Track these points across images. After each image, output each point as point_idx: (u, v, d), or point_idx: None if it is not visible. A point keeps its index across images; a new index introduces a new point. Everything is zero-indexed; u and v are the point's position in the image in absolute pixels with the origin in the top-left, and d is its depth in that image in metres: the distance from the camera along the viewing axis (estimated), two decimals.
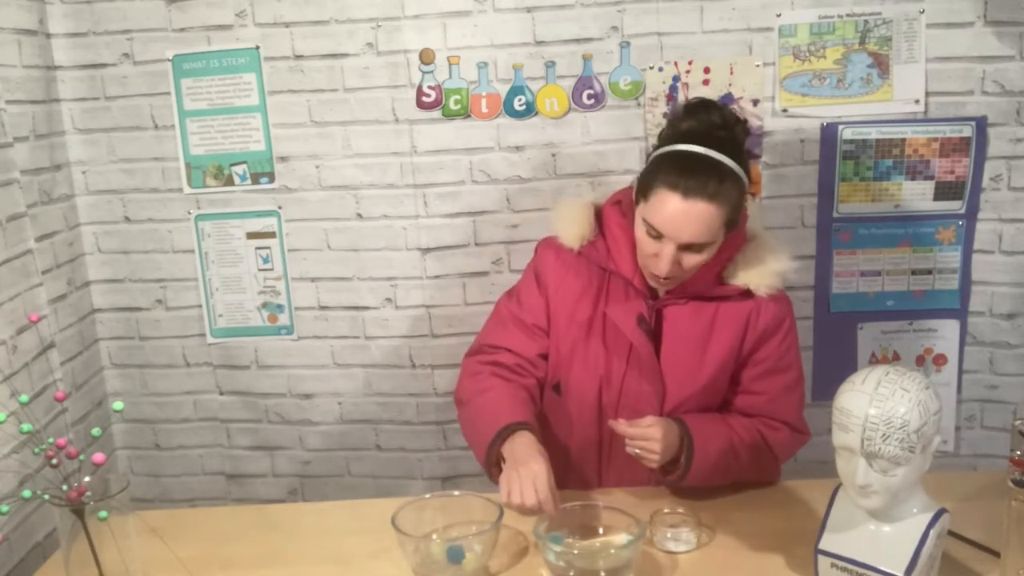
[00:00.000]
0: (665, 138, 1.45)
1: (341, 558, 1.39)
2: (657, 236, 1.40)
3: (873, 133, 1.96)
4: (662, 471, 1.48)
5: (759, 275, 1.49)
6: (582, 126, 2.00)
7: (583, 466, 1.62)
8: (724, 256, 1.48)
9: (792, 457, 1.61)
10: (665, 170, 1.37)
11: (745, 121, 1.46)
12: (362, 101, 2.01)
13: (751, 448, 1.51)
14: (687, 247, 1.39)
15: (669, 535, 1.36)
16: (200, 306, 2.16)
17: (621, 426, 1.44)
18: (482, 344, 1.63)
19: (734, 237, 1.48)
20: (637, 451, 1.43)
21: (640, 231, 1.44)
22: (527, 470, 1.35)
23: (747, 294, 1.50)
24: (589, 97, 1.98)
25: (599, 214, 1.57)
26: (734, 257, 1.50)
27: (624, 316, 1.51)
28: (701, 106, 1.45)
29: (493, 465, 1.46)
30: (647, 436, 1.42)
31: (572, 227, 1.56)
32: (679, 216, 1.36)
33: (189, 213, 2.11)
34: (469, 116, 2.01)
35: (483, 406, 1.53)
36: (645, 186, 1.41)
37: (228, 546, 1.45)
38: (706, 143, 1.38)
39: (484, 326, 1.68)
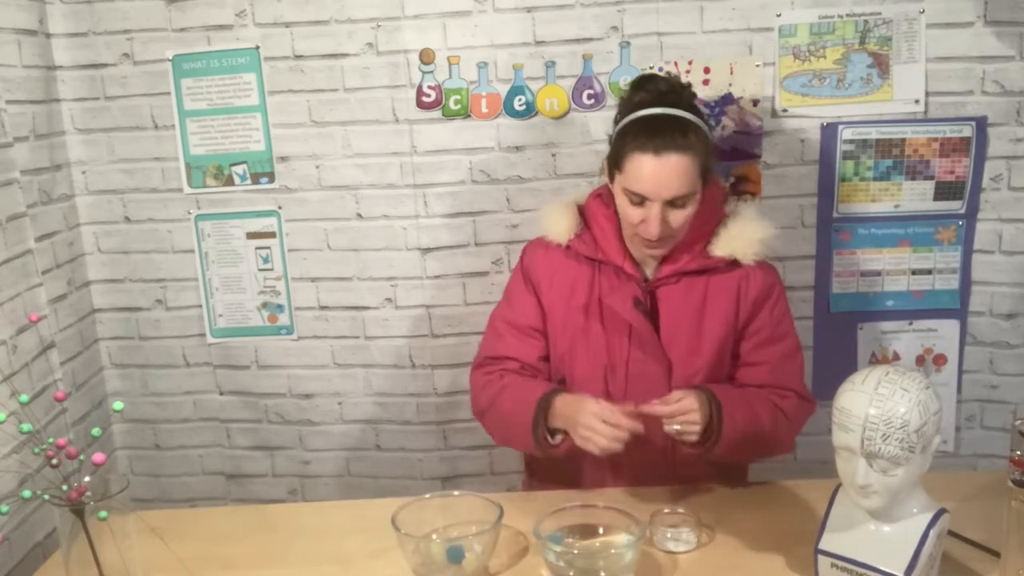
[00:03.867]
0: (621, 113, 1.54)
1: (341, 558, 1.39)
2: (640, 202, 1.46)
3: (873, 133, 1.96)
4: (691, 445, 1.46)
5: (743, 243, 1.55)
6: (582, 126, 2.00)
7: (594, 460, 1.62)
8: (707, 230, 1.55)
9: (802, 428, 1.60)
10: (632, 136, 1.45)
11: (690, 85, 1.56)
12: (362, 101, 2.01)
13: (770, 413, 1.51)
14: (671, 204, 1.45)
15: (669, 535, 1.36)
16: (200, 306, 2.16)
17: (656, 407, 1.41)
18: (484, 357, 1.67)
19: (715, 209, 1.57)
20: (677, 427, 1.40)
21: (623, 203, 1.49)
22: (585, 419, 1.39)
23: (734, 264, 1.56)
24: (589, 97, 1.98)
25: (583, 211, 1.63)
26: (716, 231, 1.56)
27: (620, 300, 1.56)
28: (646, 78, 1.57)
29: (542, 440, 1.49)
30: (684, 409, 1.40)
31: (558, 223, 1.62)
32: (656, 174, 1.43)
33: (189, 213, 2.11)
34: (469, 116, 2.01)
35: (508, 399, 1.56)
36: (617, 158, 1.48)
37: (228, 546, 1.46)
38: (660, 105, 1.48)
39: (482, 340, 1.71)
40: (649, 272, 1.59)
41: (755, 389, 1.55)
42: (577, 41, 1.95)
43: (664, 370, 1.55)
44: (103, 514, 1.19)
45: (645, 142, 1.43)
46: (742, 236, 1.55)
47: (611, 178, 1.53)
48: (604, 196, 1.60)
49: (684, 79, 1.92)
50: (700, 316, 1.56)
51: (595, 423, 1.38)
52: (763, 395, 1.54)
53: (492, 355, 1.64)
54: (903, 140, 1.96)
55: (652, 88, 1.52)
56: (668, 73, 1.64)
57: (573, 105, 1.98)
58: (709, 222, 1.56)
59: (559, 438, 1.50)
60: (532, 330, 1.62)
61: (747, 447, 1.49)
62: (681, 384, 1.53)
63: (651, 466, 1.59)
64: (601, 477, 1.62)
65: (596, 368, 1.57)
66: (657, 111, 1.47)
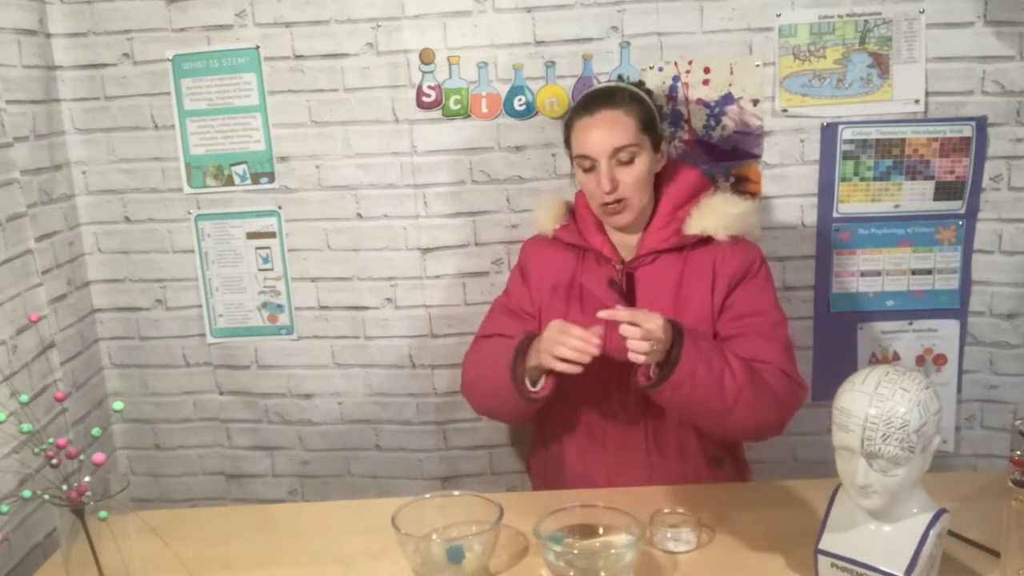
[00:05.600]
0: None
1: (341, 558, 1.39)
2: (591, 167, 1.58)
3: (873, 133, 1.96)
4: (646, 377, 1.43)
5: (715, 218, 1.60)
6: None
7: (578, 449, 1.64)
8: (682, 212, 1.63)
9: (793, 413, 1.55)
10: (573, 112, 1.64)
11: (642, 83, 1.75)
12: (362, 101, 2.01)
13: (743, 366, 1.46)
14: (618, 160, 1.56)
15: (669, 535, 1.36)
16: (200, 306, 2.16)
17: (617, 311, 1.37)
18: (478, 337, 1.78)
19: (689, 192, 1.64)
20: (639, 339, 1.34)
21: (580, 175, 1.62)
22: (547, 339, 1.46)
23: (711, 241, 1.61)
24: None
25: (571, 208, 1.76)
26: (690, 211, 1.63)
27: (596, 281, 1.63)
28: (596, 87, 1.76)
29: (519, 382, 1.53)
30: (646, 317, 1.35)
31: (546, 214, 1.75)
32: (593, 130, 1.57)
33: (189, 213, 2.11)
34: (469, 116, 2.01)
35: (488, 355, 1.65)
36: (567, 137, 1.66)
37: (228, 546, 1.46)
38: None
39: (480, 326, 1.80)
40: (628, 256, 1.65)
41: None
42: (577, 41, 1.95)
43: None
44: (103, 514, 1.19)
45: (581, 110, 1.61)
46: (714, 212, 1.61)
47: (571, 160, 1.66)
48: None
49: (684, 79, 1.95)
50: (677, 295, 1.60)
51: (554, 346, 1.43)
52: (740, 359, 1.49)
53: (484, 334, 1.75)
54: (903, 140, 1.96)
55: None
56: (660, 69, 1.87)
57: (573, 105, 1.98)
58: (684, 203, 1.64)
59: (540, 384, 1.53)
60: (523, 312, 1.72)
61: (716, 389, 1.41)
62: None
63: (636, 466, 1.63)
64: (590, 476, 1.64)
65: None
66: (591, 89, 1.69)
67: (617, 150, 1.55)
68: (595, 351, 1.40)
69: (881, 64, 1.93)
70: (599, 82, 1.96)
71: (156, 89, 2.04)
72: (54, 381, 1.89)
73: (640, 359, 1.36)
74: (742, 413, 1.45)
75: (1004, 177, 1.96)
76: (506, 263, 2.07)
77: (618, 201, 1.57)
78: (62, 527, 1.23)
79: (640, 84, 1.73)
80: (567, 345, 1.42)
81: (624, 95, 1.60)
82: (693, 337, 1.42)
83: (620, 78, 1.88)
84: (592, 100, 1.61)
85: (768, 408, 1.49)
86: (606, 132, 1.56)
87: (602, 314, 1.39)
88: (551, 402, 1.65)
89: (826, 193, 2.00)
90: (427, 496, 1.43)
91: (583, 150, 1.58)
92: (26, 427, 1.18)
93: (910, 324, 2.06)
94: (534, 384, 1.53)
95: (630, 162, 1.56)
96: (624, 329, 1.35)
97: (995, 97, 1.92)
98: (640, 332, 1.34)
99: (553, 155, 2.01)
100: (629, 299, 1.60)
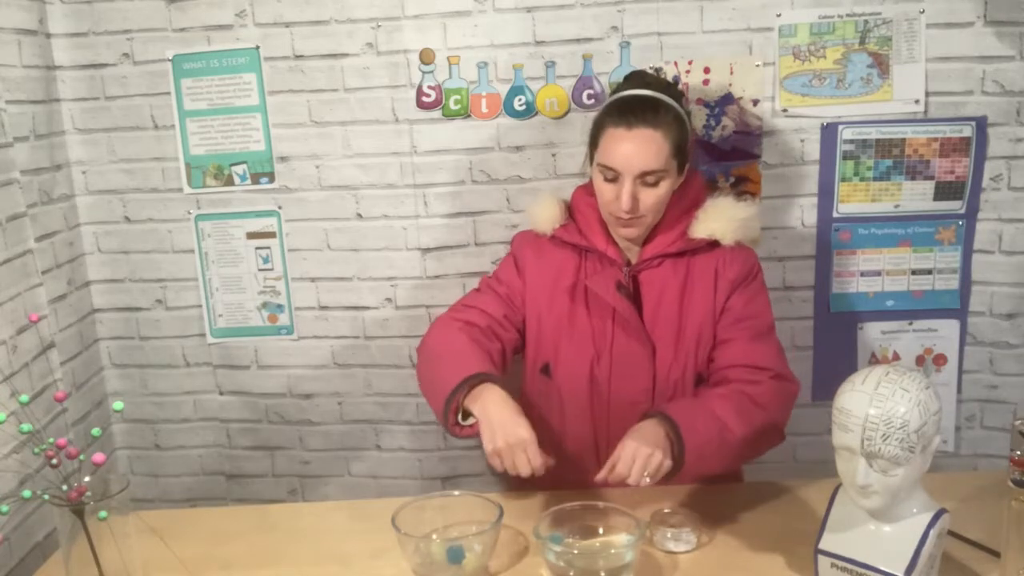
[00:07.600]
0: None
1: (341, 558, 1.40)
2: (614, 178, 1.52)
3: (873, 133, 1.96)
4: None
5: (722, 223, 1.58)
6: (582, 126, 1.99)
7: (578, 450, 1.64)
8: (688, 215, 1.60)
9: (788, 412, 1.56)
10: (607, 114, 1.54)
11: (676, 81, 1.70)
12: (362, 101, 2.01)
13: (736, 411, 1.44)
14: (643, 181, 1.51)
15: (669, 535, 1.36)
16: (200, 306, 2.16)
17: (614, 473, 1.35)
18: (457, 303, 1.71)
19: (695, 194, 1.61)
20: (647, 477, 1.35)
21: (599, 180, 1.55)
22: (516, 440, 1.34)
23: (715, 245, 1.60)
24: (589, 97, 1.98)
25: (568, 205, 1.70)
26: (696, 214, 1.60)
27: (603, 284, 1.59)
28: (634, 73, 1.70)
29: (451, 412, 1.42)
30: (633, 457, 1.34)
31: (543, 214, 1.68)
32: (627, 147, 1.49)
33: (189, 213, 2.11)
34: (469, 116, 2.01)
35: (447, 354, 1.52)
36: (594, 136, 1.57)
37: (228, 546, 1.46)
38: (638, 88, 1.57)
39: (465, 295, 1.76)
40: (632, 257, 1.63)
41: (720, 388, 1.51)
42: (577, 41, 1.95)
43: (648, 353, 1.58)
44: (103, 514, 1.19)
45: (618, 118, 1.51)
46: (721, 216, 1.59)
47: (590, 160, 1.59)
48: (588, 187, 1.65)
49: (684, 79, 1.95)
50: (682, 298, 1.59)
51: (519, 456, 1.35)
52: (729, 393, 1.48)
53: (464, 303, 1.69)
54: (903, 140, 1.96)
55: (636, 79, 1.63)
56: (658, 70, 1.85)
57: (573, 105, 1.98)
58: (690, 207, 1.61)
59: (470, 421, 1.43)
60: (509, 298, 1.68)
61: (721, 455, 1.42)
62: (664, 365, 1.57)
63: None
64: (587, 472, 1.63)
65: (581, 352, 1.60)
66: (633, 92, 1.56)
67: (645, 173, 1.50)
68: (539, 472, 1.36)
69: (881, 64, 1.93)
70: (599, 83, 1.96)
71: (156, 89, 2.04)
72: (54, 381, 1.89)
73: (665, 470, 1.36)
74: (750, 452, 1.50)
75: (1004, 177, 1.96)
76: None
77: (633, 216, 1.54)
78: (62, 527, 1.23)
79: (674, 83, 1.68)
80: (519, 463, 1.35)
81: (669, 114, 1.52)
82: (687, 418, 1.40)
83: (657, 70, 1.86)
84: (631, 111, 1.51)
85: (769, 433, 1.51)
86: (640, 151, 1.49)
87: (599, 478, 1.37)
88: (552, 396, 1.65)
89: (826, 193, 2.00)
90: (427, 496, 1.43)
91: (610, 162, 1.51)
92: (26, 427, 1.18)
93: (910, 324, 2.06)
94: (465, 418, 1.44)
95: (655, 184, 1.52)
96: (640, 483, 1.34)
97: (995, 97, 1.92)
98: (642, 469, 1.34)
99: (553, 155, 2.01)
100: (636, 302, 1.60)
